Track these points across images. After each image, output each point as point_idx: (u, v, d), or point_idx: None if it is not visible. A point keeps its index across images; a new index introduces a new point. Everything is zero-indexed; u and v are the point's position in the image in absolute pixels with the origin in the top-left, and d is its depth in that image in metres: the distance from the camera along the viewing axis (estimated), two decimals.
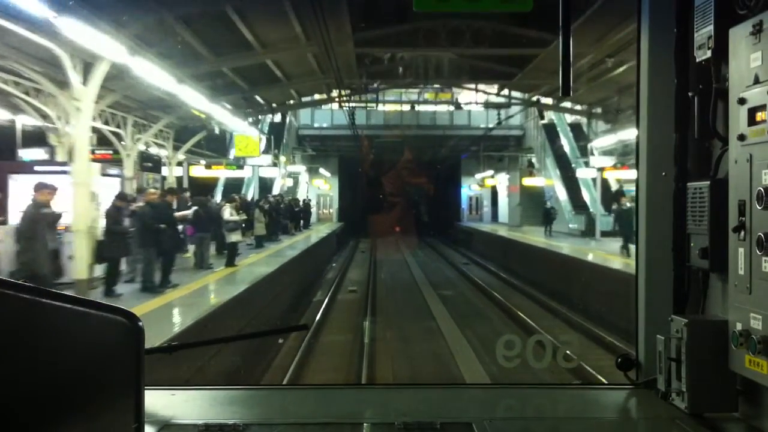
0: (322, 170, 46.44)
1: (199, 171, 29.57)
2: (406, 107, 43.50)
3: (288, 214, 32.20)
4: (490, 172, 45.47)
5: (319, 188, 49.50)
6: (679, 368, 2.35)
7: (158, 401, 2.44)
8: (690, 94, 2.51)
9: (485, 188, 51.52)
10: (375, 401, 2.75)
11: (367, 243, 42.07)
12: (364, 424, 2.32)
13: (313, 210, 48.48)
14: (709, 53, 2.38)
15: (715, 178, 2.40)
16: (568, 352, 3.74)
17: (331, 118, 42.93)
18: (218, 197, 31.57)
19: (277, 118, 37.72)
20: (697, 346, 2.30)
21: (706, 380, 2.29)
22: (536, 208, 42.70)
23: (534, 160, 39.64)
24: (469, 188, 52.81)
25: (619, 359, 2.73)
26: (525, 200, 43.35)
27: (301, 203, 39.17)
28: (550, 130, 38.19)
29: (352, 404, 2.68)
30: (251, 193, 33.14)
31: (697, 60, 2.45)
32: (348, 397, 2.89)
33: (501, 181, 46.15)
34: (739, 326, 2.16)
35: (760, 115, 2.07)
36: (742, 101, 2.15)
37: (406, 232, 44.71)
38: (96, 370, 1.36)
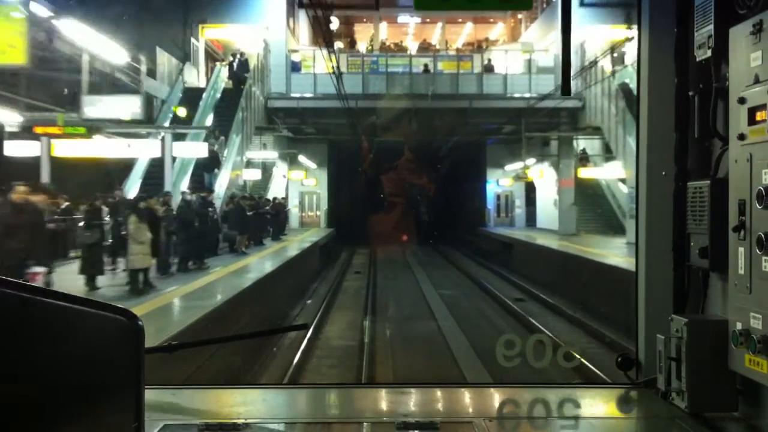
0: (302, 158, 34.50)
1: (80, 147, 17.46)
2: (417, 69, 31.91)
3: (236, 222, 20.14)
4: (531, 161, 33.40)
5: (303, 184, 37.77)
6: (679, 368, 2.34)
7: (158, 401, 2.42)
8: (690, 93, 2.51)
9: (517, 183, 39.96)
10: (375, 401, 2.74)
11: (364, 257, 32.97)
12: (364, 424, 2.31)
13: (295, 212, 36.73)
14: (709, 53, 2.38)
15: (715, 177, 2.40)
16: (569, 350, 3.58)
17: (313, 84, 30.87)
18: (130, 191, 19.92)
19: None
20: (697, 345, 2.30)
21: (706, 380, 2.29)
22: (595, 209, 30.97)
23: (591, 144, 28.14)
24: (497, 183, 40.79)
25: (619, 358, 2.72)
26: (579, 199, 31.61)
27: (271, 204, 27.20)
28: (630, 98, 26.21)
29: (352, 404, 2.69)
30: (182, 186, 21.07)
31: (697, 59, 2.46)
32: (348, 397, 2.89)
33: (542, 173, 34.29)
34: (739, 326, 2.15)
35: (760, 115, 2.06)
36: (742, 101, 2.14)
37: (414, 240, 35.83)
38: (96, 369, 1.35)
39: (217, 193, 21.83)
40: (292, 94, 30.58)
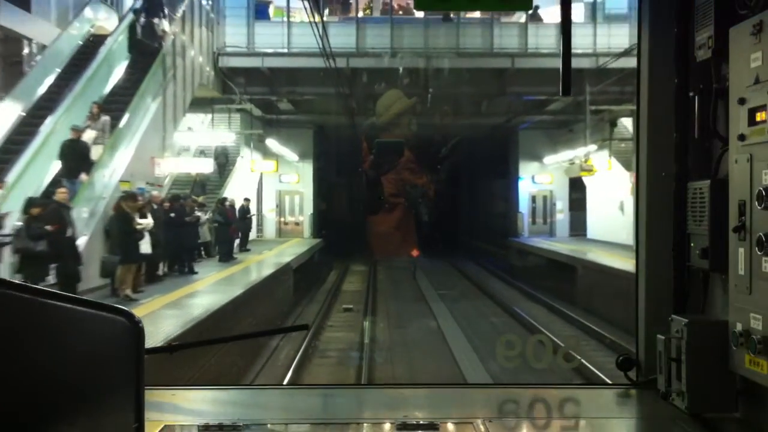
0: (272, 143, 25.45)
1: None
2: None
3: (117, 241, 10.92)
4: (589, 149, 24.18)
5: (281, 180, 29.33)
6: (680, 368, 2.34)
7: (158, 401, 2.42)
8: (690, 94, 2.51)
9: (559, 179, 31.31)
10: (375, 401, 2.73)
11: (359, 279, 25.08)
12: (364, 424, 2.31)
13: (271, 217, 29.68)
14: (709, 53, 2.38)
15: (716, 178, 2.40)
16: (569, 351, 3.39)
17: (286, 35, 21.59)
18: None
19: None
20: (698, 346, 2.30)
21: (706, 380, 2.29)
22: None
23: None
24: (533, 180, 31.74)
25: (620, 359, 2.72)
26: None
27: (215, 208, 18.18)
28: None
29: (352, 404, 2.67)
30: None
31: (698, 60, 2.46)
32: (348, 397, 2.87)
33: (611, 164, 25.20)
34: (739, 326, 2.15)
35: (760, 115, 2.06)
36: (742, 101, 2.14)
37: (425, 254, 28.49)
38: (96, 370, 1.35)
39: (99, 191, 12.61)
40: (258, 47, 21.25)
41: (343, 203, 34.02)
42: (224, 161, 24.35)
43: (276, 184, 29.93)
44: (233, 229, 19.01)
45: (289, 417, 2.38)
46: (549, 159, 30.34)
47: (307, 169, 30.56)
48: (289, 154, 28.52)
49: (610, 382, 4.00)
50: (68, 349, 1.28)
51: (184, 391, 2.68)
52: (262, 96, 22.54)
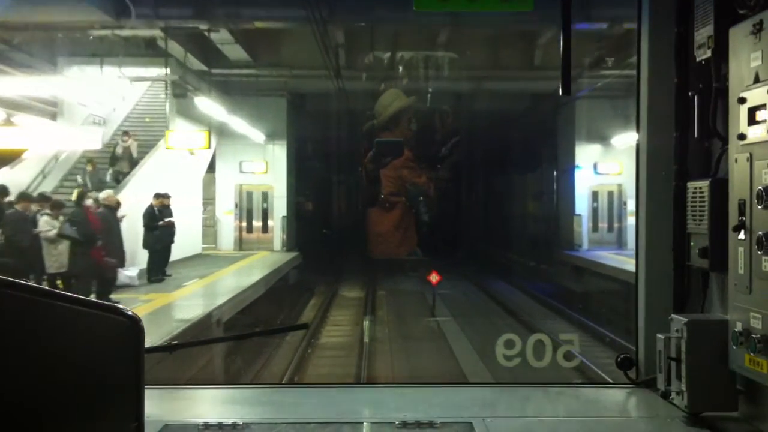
0: (201, 102, 16.96)
1: None
2: None
3: None
4: None
5: (242, 169, 21.29)
6: (679, 367, 2.33)
7: (158, 401, 2.41)
8: (690, 93, 2.52)
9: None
10: (375, 401, 2.75)
11: (349, 319, 16.35)
12: (364, 424, 2.33)
13: (228, 222, 22.58)
14: (709, 53, 2.38)
15: (715, 177, 2.40)
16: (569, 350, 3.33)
17: None
18: None
19: None
20: (697, 345, 2.29)
21: (706, 379, 2.28)
22: None
23: None
24: (594, 170, 23.18)
25: (620, 358, 2.70)
26: None
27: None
28: None
29: (352, 404, 2.68)
30: None
31: (697, 59, 2.46)
32: (348, 396, 2.88)
33: None
34: (739, 326, 2.15)
35: (760, 115, 2.06)
36: (742, 101, 2.14)
37: (449, 279, 19.42)
38: (96, 369, 1.35)
39: None
40: None
41: (332, 203, 26.03)
42: (127, 168, 15.71)
43: (235, 175, 21.77)
44: (98, 251, 10.29)
45: (288, 416, 2.38)
46: (619, 139, 21.55)
47: (280, 154, 22.38)
48: (249, 131, 19.94)
49: (611, 381, 3.73)
50: (68, 349, 1.27)
51: (184, 390, 2.69)
52: (181, 22, 13.57)
